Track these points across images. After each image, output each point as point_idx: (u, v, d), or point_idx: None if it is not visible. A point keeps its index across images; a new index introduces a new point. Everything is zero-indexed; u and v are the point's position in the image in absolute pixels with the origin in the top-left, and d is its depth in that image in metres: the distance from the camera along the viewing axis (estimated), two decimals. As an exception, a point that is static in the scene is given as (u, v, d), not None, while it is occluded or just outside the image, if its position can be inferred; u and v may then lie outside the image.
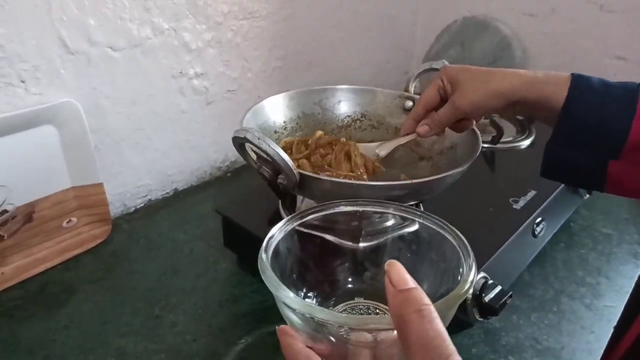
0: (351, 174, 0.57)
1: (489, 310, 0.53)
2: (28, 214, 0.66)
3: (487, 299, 0.53)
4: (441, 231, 0.41)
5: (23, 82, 0.63)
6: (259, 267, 0.36)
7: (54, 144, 0.67)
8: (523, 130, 0.90)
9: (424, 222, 0.43)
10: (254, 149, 0.50)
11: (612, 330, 0.60)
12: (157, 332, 0.59)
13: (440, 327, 0.27)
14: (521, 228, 0.63)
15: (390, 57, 1.23)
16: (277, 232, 0.40)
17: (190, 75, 0.81)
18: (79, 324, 0.59)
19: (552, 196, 0.69)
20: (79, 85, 0.68)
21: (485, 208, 0.67)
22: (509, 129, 0.91)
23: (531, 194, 0.69)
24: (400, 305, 0.28)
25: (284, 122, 0.69)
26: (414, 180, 0.51)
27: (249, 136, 0.47)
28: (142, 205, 0.83)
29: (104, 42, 0.68)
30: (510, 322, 0.61)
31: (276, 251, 0.40)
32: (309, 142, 0.63)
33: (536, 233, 0.67)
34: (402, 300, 0.28)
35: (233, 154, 0.94)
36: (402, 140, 0.61)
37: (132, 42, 0.71)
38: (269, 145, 0.47)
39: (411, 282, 0.29)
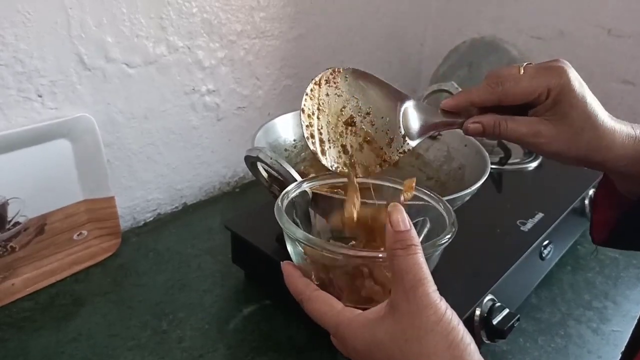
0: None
1: (497, 333, 0.53)
2: (40, 226, 0.67)
3: (494, 321, 0.54)
4: (431, 201, 0.45)
5: (40, 96, 0.64)
6: (275, 210, 0.41)
7: (67, 157, 0.68)
8: (530, 152, 0.91)
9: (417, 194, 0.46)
10: (266, 167, 0.50)
11: (619, 356, 0.60)
12: (164, 347, 0.59)
13: (420, 259, 0.33)
14: (529, 250, 0.63)
15: (398, 76, 1.24)
16: (292, 188, 0.45)
17: (202, 91, 0.82)
18: (87, 336, 0.60)
19: (560, 219, 0.70)
20: (94, 100, 0.69)
21: (492, 230, 0.67)
22: (517, 150, 0.92)
23: (539, 216, 0.70)
24: (392, 242, 0.33)
25: (294, 140, 0.69)
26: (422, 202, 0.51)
27: (261, 155, 0.48)
28: (151, 219, 0.84)
29: (120, 58, 0.70)
30: (517, 345, 0.61)
31: (291, 203, 0.45)
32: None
33: (544, 256, 0.67)
34: (396, 238, 0.33)
35: (242, 169, 0.95)
36: (447, 119, 0.47)
37: (148, 59, 0.73)
38: (282, 165, 0.47)
39: (406, 224, 0.34)
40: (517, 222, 0.68)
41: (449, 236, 0.39)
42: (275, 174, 0.49)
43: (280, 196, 0.43)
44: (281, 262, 0.40)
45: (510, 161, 0.86)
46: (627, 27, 0.97)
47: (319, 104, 0.49)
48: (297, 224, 0.44)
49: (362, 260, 0.37)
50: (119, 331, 0.61)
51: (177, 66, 0.77)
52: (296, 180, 0.48)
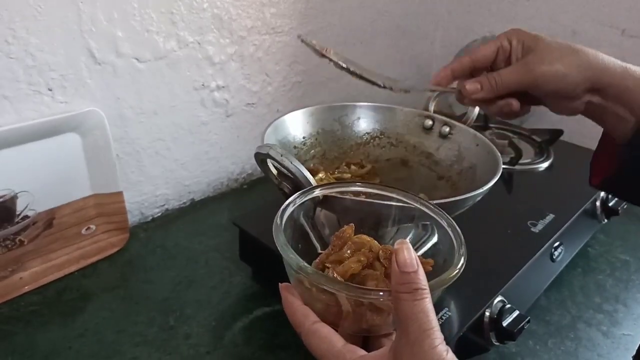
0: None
1: (507, 334, 0.53)
2: (48, 220, 0.67)
3: (504, 323, 0.53)
4: (438, 219, 0.43)
5: (50, 90, 0.64)
6: (273, 231, 0.38)
7: (77, 151, 0.68)
8: (541, 152, 0.90)
9: (423, 208, 0.44)
10: (276, 165, 0.50)
11: (630, 360, 0.59)
12: (171, 344, 0.59)
13: (427, 306, 0.31)
14: (539, 252, 0.62)
15: (408, 74, 1.23)
16: (295, 199, 0.43)
17: (212, 87, 0.82)
18: (94, 332, 0.60)
19: (571, 220, 0.69)
20: (104, 95, 0.69)
21: (503, 230, 0.66)
22: (528, 151, 0.91)
23: (549, 217, 0.69)
24: (398, 285, 0.32)
25: (304, 137, 0.69)
26: (435, 201, 0.51)
27: (272, 152, 0.48)
28: (159, 214, 0.84)
29: (130, 53, 0.69)
30: (527, 348, 0.61)
31: (292, 219, 0.42)
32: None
33: (554, 257, 0.67)
34: (401, 280, 0.32)
35: (250, 166, 0.95)
36: (432, 87, 0.52)
37: (158, 54, 0.73)
38: (292, 162, 0.47)
39: (413, 265, 0.32)
40: (528, 223, 0.68)
41: (459, 267, 0.37)
42: (285, 172, 0.49)
43: (280, 211, 0.41)
44: (279, 285, 0.38)
45: (521, 161, 0.85)
46: (642, 27, 0.96)
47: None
48: (300, 239, 0.43)
49: (362, 297, 0.35)
50: (126, 327, 0.61)
51: (187, 61, 0.77)
52: (307, 178, 0.47)
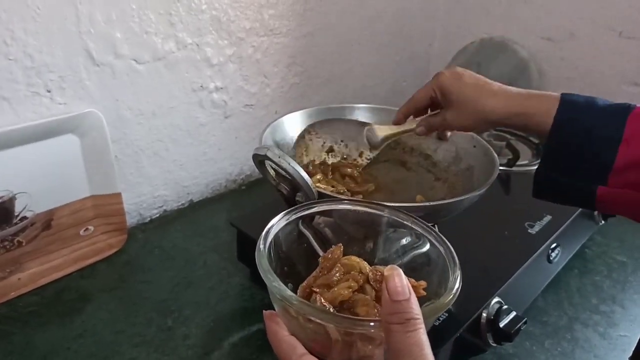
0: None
1: (504, 336, 0.53)
2: (47, 221, 0.67)
3: (501, 324, 0.53)
4: (431, 238, 0.41)
5: (49, 91, 0.64)
6: (256, 257, 0.36)
7: (75, 153, 0.68)
8: (539, 153, 0.90)
9: (415, 227, 0.42)
10: (274, 166, 0.50)
11: (627, 361, 0.59)
12: (169, 344, 0.59)
13: (421, 337, 0.29)
14: (536, 253, 0.63)
15: (406, 76, 1.24)
16: (276, 222, 0.41)
17: (210, 89, 0.82)
18: (92, 332, 0.60)
19: (568, 222, 0.69)
20: (102, 96, 0.69)
21: (500, 232, 0.67)
22: (525, 152, 0.91)
23: (547, 218, 0.69)
24: (389, 314, 0.30)
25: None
26: (432, 202, 0.51)
27: (269, 154, 0.48)
28: (157, 215, 0.84)
29: (129, 55, 0.70)
30: (524, 349, 0.61)
31: (276, 241, 0.40)
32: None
33: (551, 258, 0.67)
34: (392, 310, 0.30)
35: (248, 167, 0.95)
36: (400, 128, 0.63)
37: (156, 55, 0.73)
38: (289, 164, 0.47)
39: (404, 294, 0.30)
40: (525, 224, 0.68)
41: (453, 292, 0.35)
42: (283, 173, 0.49)
43: (262, 235, 0.38)
44: (264, 313, 0.36)
45: (518, 163, 0.85)
46: (639, 30, 0.96)
47: (306, 148, 0.67)
48: (285, 261, 0.41)
49: (352, 328, 0.32)
50: (124, 328, 0.61)
51: (185, 63, 0.77)
52: (304, 179, 0.47)
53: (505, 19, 1.15)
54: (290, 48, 0.92)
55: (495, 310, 0.55)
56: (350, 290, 0.36)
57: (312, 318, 0.32)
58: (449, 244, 0.39)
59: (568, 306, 0.69)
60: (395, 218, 0.43)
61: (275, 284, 0.34)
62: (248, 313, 0.64)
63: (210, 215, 0.85)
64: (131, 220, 0.80)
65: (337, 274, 0.37)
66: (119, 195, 0.72)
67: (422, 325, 0.30)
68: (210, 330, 0.61)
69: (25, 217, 0.65)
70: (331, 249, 0.39)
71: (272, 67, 0.90)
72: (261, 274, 0.35)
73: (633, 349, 0.57)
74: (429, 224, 0.42)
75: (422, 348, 0.29)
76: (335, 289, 0.36)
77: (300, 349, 0.33)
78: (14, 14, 0.58)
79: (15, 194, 0.63)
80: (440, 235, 0.40)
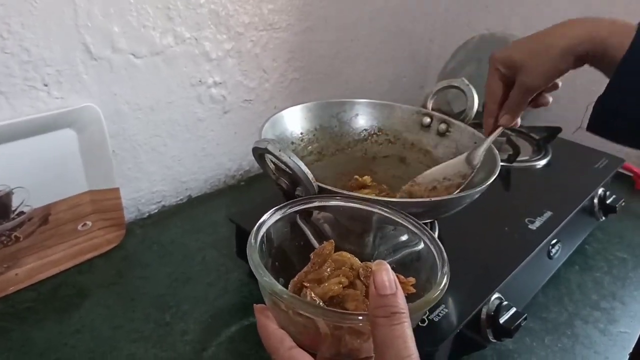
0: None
1: (504, 332, 0.53)
2: (44, 216, 0.67)
3: (501, 320, 0.53)
4: (420, 235, 0.41)
5: (46, 85, 0.64)
6: (247, 251, 0.37)
7: (73, 147, 0.67)
8: (539, 149, 0.90)
9: (406, 224, 0.42)
10: (274, 160, 0.50)
11: (626, 358, 0.59)
12: (168, 340, 0.58)
13: (405, 330, 0.30)
14: (537, 249, 0.62)
15: (406, 71, 1.23)
16: (268, 217, 0.41)
17: (209, 83, 0.81)
18: (90, 328, 0.59)
19: (569, 218, 0.69)
20: (100, 90, 0.69)
21: (500, 228, 0.66)
22: (526, 148, 0.91)
23: (547, 214, 0.69)
24: (375, 308, 0.30)
25: (301, 133, 0.69)
26: (432, 198, 0.51)
27: (270, 147, 0.47)
28: (155, 211, 0.83)
29: (127, 49, 0.69)
30: (524, 345, 0.61)
31: (268, 236, 0.40)
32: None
33: (551, 255, 0.67)
34: (378, 303, 0.30)
35: (247, 162, 0.94)
36: (491, 139, 0.59)
37: (154, 49, 0.72)
38: (290, 158, 0.47)
39: (391, 288, 0.31)
40: (525, 220, 0.68)
41: (441, 287, 0.35)
42: (283, 167, 0.48)
43: (254, 230, 0.39)
44: (254, 307, 0.36)
45: (518, 159, 0.85)
46: (640, 25, 0.96)
47: None
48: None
49: (341, 322, 0.33)
50: (122, 323, 0.60)
51: (183, 57, 0.76)
52: (304, 173, 0.47)
53: (506, 15, 1.14)
54: (289, 43, 0.91)
55: (495, 306, 0.54)
56: (341, 285, 0.36)
57: (302, 312, 0.33)
58: (438, 241, 0.39)
59: (568, 302, 0.68)
60: (385, 215, 0.43)
61: (266, 279, 0.34)
62: (246, 309, 0.63)
63: (208, 210, 0.84)
64: (129, 215, 0.79)
65: (328, 270, 0.37)
66: (116, 190, 0.72)
67: (408, 320, 0.30)
68: (208, 326, 0.61)
69: (22, 212, 0.65)
70: (322, 244, 0.39)
71: (271, 62, 0.89)
72: (252, 268, 0.35)
73: (633, 345, 0.56)
74: (420, 222, 0.41)
75: (406, 341, 0.29)
76: (326, 284, 0.36)
77: (289, 342, 0.34)
78: (10, 8, 0.57)
79: (13, 189, 0.63)
80: (430, 232, 0.40)
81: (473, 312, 0.53)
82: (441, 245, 0.39)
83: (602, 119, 0.48)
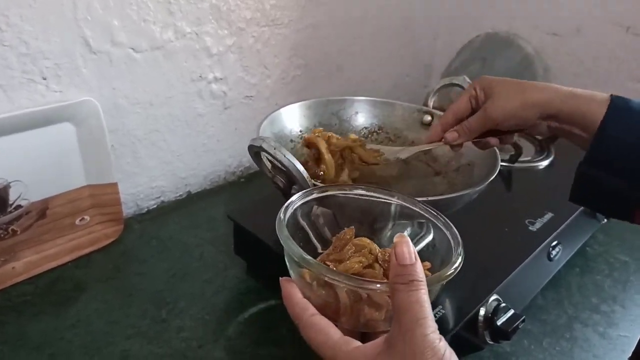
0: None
1: (501, 334, 0.52)
2: (42, 210, 0.67)
3: (499, 322, 0.52)
4: (436, 221, 0.44)
5: (45, 79, 0.63)
6: (277, 226, 0.39)
7: (71, 141, 0.67)
8: (542, 150, 0.89)
9: (422, 212, 0.45)
10: (269, 158, 0.49)
11: (626, 362, 0.58)
12: (163, 336, 0.58)
13: (422, 296, 0.32)
14: (537, 251, 0.62)
15: (409, 70, 1.22)
16: (296, 199, 0.44)
17: (209, 79, 0.81)
18: (86, 322, 0.59)
19: (570, 219, 0.68)
20: (99, 84, 0.68)
21: (500, 228, 0.66)
22: (528, 148, 0.90)
23: (548, 216, 0.68)
24: (395, 275, 0.33)
25: (301, 131, 0.68)
26: (431, 197, 0.50)
27: (264, 145, 0.47)
28: (154, 206, 0.83)
29: (126, 43, 0.69)
30: (522, 347, 0.60)
31: (294, 216, 0.43)
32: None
33: (552, 256, 0.66)
34: (398, 272, 0.33)
35: (247, 159, 0.94)
36: (427, 146, 0.60)
37: (154, 44, 0.72)
38: (285, 156, 0.46)
39: (410, 259, 0.33)
40: (526, 221, 0.67)
41: (455, 267, 0.37)
42: (279, 165, 0.48)
43: (284, 207, 0.42)
44: (280, 279, 0.39)
45: (520, 159, 0.84)
46: (647, 26, 0.95)
47: None
48: (300, 234, 0.44)
49: (361, 289, 0.36)
50: (118, 318, 0.60)
51: (184, 52, 0.76)
52: (299, 171, 0.47)
53: (511, 14, 1.13)
54: (291, 39, 0.90)
55: (493, 307, 0.54)
56: (361, 265, 0.39)
57: (327, 278, 0.35)
58: (452, 226, 0.42)
59: (568, 305, 0.68)
60: (403, 204, 0.46)
61: (295, 248, 0.37)
62: (243, 307, 0.63)
63: (208, 207, 0.84)
64: (128, 210, 0.79)
65: (349, 252, 0.40)
66: (115, 185, 0.72)
67: (425, 288, 0.32)
68: (204, 323, 0.60)
69: (20, 206, 0.64)
70: (343, 230, 0.42)
71: (273, 58, 0.89)
72: (281, 240, 0.38)
73: (633, 349, 0.56)
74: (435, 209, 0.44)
75: (423, 305, 0.32)
76: (348, 262, 0.39)
77: (312, 309, 0.36)
78: (9, 0, 0.57)
79: (10, 182, 0.63)
80: (446, 218, 0.43)
81: (470, 314, 0.52)
82: (455, 229, 0.42)
83: (584, 192, 0.51)
